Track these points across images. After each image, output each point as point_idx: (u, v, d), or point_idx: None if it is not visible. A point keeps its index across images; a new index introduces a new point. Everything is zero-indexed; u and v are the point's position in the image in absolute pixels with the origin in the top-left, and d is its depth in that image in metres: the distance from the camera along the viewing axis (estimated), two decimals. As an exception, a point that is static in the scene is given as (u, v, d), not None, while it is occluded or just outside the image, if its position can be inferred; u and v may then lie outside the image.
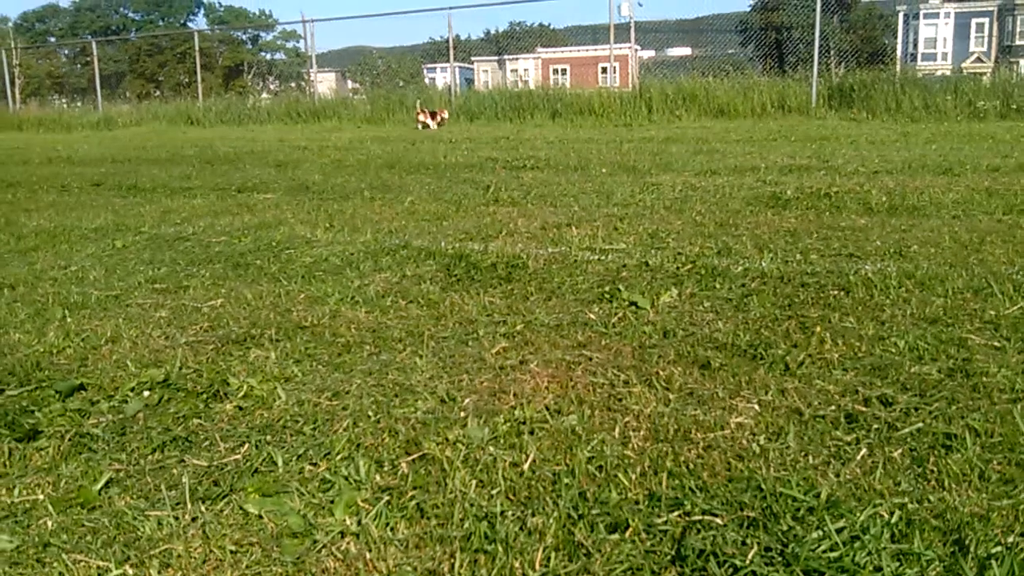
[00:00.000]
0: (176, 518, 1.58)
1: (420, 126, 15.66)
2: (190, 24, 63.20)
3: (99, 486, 1.72)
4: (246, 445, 1.88)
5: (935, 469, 1.66)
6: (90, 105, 25.65)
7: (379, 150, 10.11)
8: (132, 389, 2.23)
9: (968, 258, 3.38)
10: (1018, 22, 44.73)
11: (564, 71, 46.42)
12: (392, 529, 1.52)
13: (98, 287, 3.41)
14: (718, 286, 3.10)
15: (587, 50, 47.31)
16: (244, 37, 58.12)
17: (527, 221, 4.63)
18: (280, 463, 1.78)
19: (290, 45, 57.30)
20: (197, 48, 23.67)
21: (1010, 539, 1.39)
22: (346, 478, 1.70)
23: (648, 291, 3.02)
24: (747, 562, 1.35)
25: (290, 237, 4.36)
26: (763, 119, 13.88)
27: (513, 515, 1.54)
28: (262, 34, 59.60)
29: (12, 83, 26.49)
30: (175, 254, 4.05)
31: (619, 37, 19.14)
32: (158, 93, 39.73)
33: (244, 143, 12.26)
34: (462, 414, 1.99)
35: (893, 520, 1.45)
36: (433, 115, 15.84)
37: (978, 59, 44.51)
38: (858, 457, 1.72)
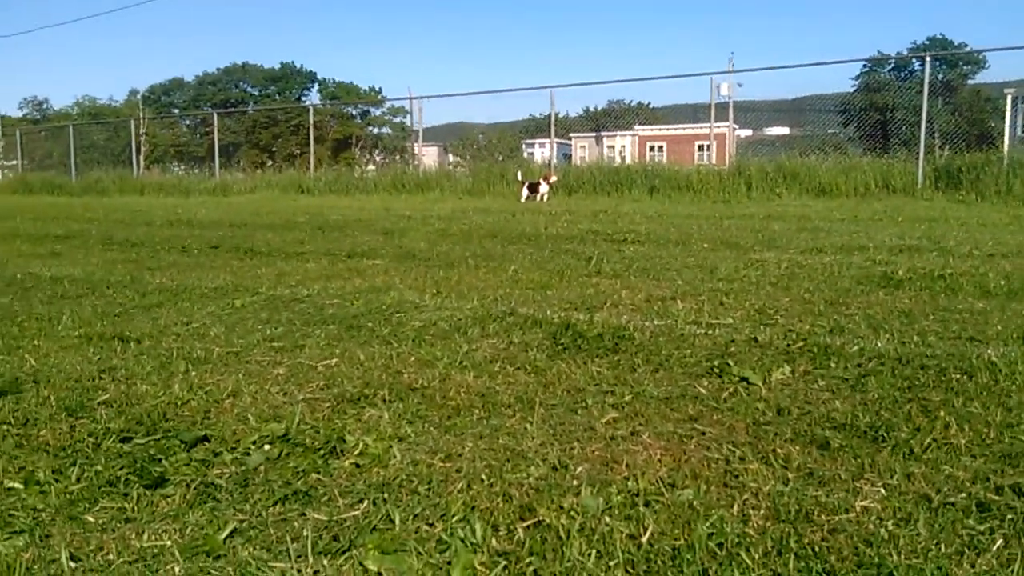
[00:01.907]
0: (299, 571, 1.61)
1: (523, 198, 15.66)
2: (304, 99, 66.25)
3: (224, 535, 1.77)
4: (364, 502, 1.91)
5: (1079, 565, 1.56)
6: (207, 172, 27.04)
7: (481, 220, 10.32)
8: (253, 442, 2.30)
9: (1101, 346, 3.22)
10: None
11: (660, 148, 46.63)
12: (511, 594, 1.51)
13: (219, 343, 3.56)
14: (832, 365, 3.02)
15: (684, 128, 47.50)
16: (354, 112, 60.54)
17: (631, 293, 4.63)
18: (397, 521, 1.80)
19: (396, 120, 59.28)
20: (311, 122, 24.80)
21: None
22: (463, 540, 1.70)
23: (759, 367, 2.97)
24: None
25: (399, 302, 4.46)
26: (867, 199, 13.59)
27: (633, 587, 1.52)
28: (371, 109, 61.99)
29: (138, 150, 28.20)
30: (291, 315, 4.20)
31: (718, 116, 19.19)
32: (271, 163, 41.63)
33: (352, 212, 12.69)
34: (575, 482, 1.98)
35: (1040, 617, 1.37)
36: (534, 187, 15.75)
37: (1094, 142, 42.71)
38: (994, 548, 1.63)
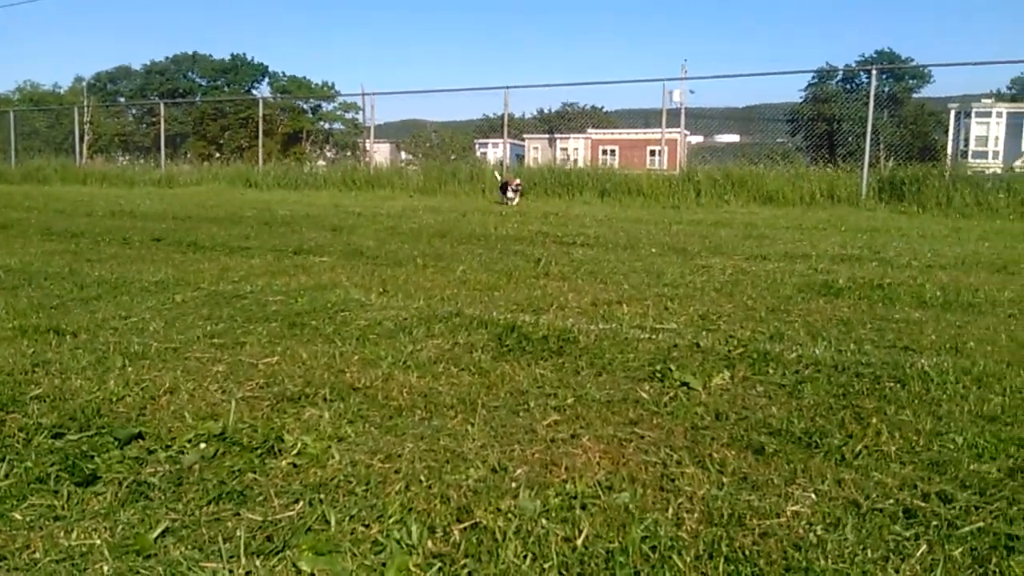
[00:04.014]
0: (231, 571, 1.60)
1: (505, 200, 14.20)
2: (254, 91, 65.37)
3: (155, 534, 1.74)
4: (300, 502, 1.89)
5: (997, 570, 1.62)
6: (152, 163, 26.51)
7: (431, 219, 10.28)
8: (189, 440, 2.27)
9: (1027, 357, 3.32)
10: (1071, 126, 44.36)
11: (613, 152, 47.04)
12: (445, 596, 1.51)
13: (158, 339, 3.49)
14: (771, 371, 3.08)
15: (636, 133, 48.00)
16: (305, 106, 59.92)
17: (577, 296, 4.65)
18: (333, 522, 1.79)
19: (348, 116, 58.80)
20: (261, 115, 24.47)
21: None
22: (398, 541, 1.70)
23: (700, 372, 3.01)
24: (806, 654, 1.32)
25: (345, 300, 4.43)
26: (812, 208, 13.86)
27: (566, 590, 1.53)
28: (323, 104, 61.39)
29: (81, 139, 27.55)
30: (233, 311, 4.14)
31: (669, 122, 19.40)
32: (218, 155, 41.02)
33: (300, 207, 12.55)
34: (513, 484, 1.99)
35: (957, 620, 1.42)
36: (504, 187, 14.47)
37: (1029, 160, 44.09)
38: (918, 554, 1.68)
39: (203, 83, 66.25)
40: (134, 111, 53.76)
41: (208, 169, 23.58)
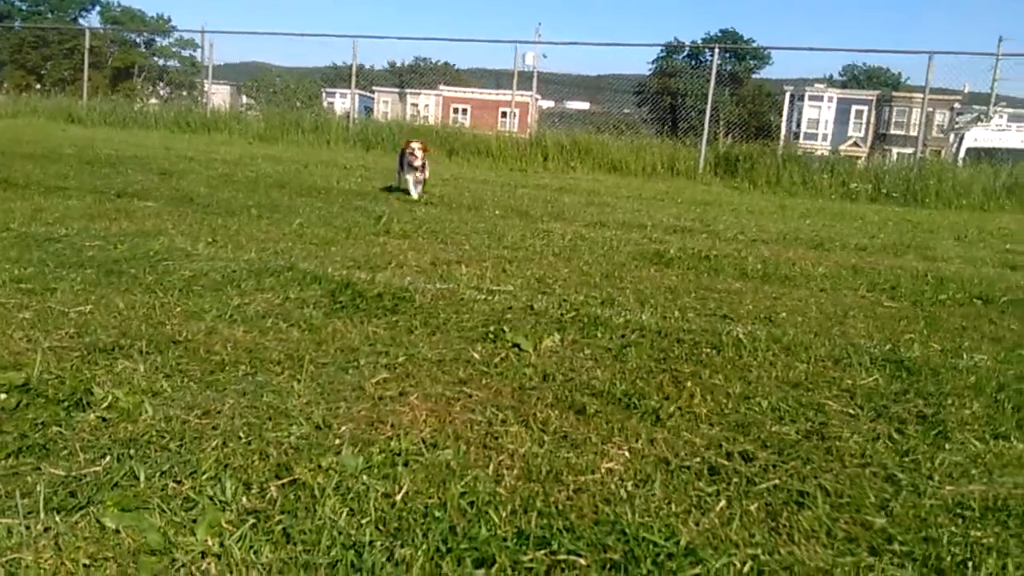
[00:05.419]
0: (27, 527, 1.51)
1: (411, 180, 8.21)
2: (82, 20, 60.60)
3: (-58, 490, 1.62)
4: (107, 457, 1.80)
5: (787, 524, 1.74)
6: (-39, 90, 24.17)
7: (270, 168, 9.91)
8: (-12, 391, 2.11)
9: (831, 329, 3.58)
10: (894, 113, 47.95)
11: (464, 111, 46.88)
12: (256, 552, 1.49)
13: (-44, 281, 3.21)
14: (599, 335, 3.18)
15: (489, 93, 48.06)
16: (138, 40, 56.24)
17: (417, 255, 4.63)
18: (142, 478, 1.71)
19: (186, 53, 55.67)
20: (87, 45, 22.72)
21: (851, 593, 1.48)
22: (211, 498, 1.65)
23: (532, 334, 3.06)
24: (608, 603, 1.38)
25: (169, 248, 4.22)
26: (653, 179, 14.34)
27: (382, 545, 1.53)
28: (158, 39, 57.78)
29: None
30: (44, 255, 3.86)
31: (521, 85, 19.53)
32: (39, 87, 37.94)
33: (127, 147, 11.78)
34: (337, 442, 1.97)
35: (745, 570, 1.52)
36: (402, 158, 8.51)
37: (855, 143, 47.43)
38: (717, 508, 1.79)
39: (23, 7, 60.71)
40: (-60, 31, 48.75)
41: (26, 101, 21.69)
